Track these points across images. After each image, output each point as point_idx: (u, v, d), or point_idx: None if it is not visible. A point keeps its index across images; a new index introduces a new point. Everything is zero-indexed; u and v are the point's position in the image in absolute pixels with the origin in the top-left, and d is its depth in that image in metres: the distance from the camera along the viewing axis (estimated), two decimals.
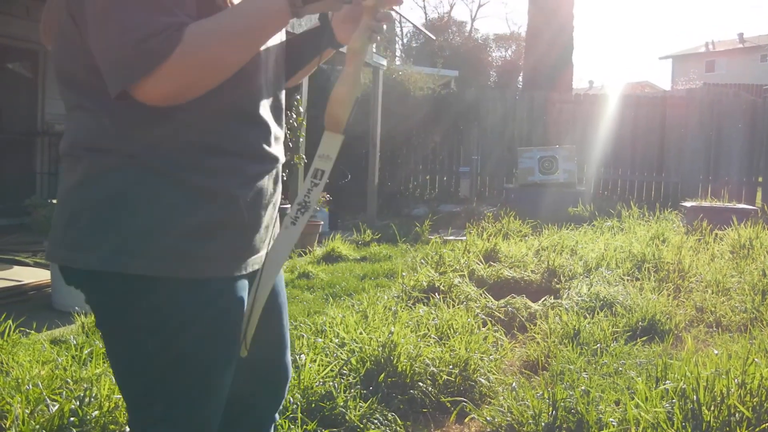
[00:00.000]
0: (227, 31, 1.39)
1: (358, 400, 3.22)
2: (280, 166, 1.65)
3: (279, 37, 1.66)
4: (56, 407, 2.88)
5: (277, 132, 1.62)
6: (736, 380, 3.00)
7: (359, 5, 1.57)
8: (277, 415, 1.85)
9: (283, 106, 1.69)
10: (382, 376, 3.44)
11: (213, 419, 1.57)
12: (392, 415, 3.23)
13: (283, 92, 1.70)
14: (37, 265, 6.26)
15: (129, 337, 1.48)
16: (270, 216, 1.62)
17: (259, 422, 1.81)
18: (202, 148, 1.45)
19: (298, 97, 8.12)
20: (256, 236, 1.57)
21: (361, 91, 1.61)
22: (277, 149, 1.61)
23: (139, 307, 1.44)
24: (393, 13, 1.62)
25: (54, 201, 4.90)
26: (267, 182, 1.58)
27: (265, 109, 1.57)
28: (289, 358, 1.83)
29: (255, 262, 1.58)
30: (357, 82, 1.58)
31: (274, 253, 1.59)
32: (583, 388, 3.28)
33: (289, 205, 8.10)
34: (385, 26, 1.61)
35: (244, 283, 1.55)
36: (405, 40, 41.24)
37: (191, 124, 1.44)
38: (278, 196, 1.67)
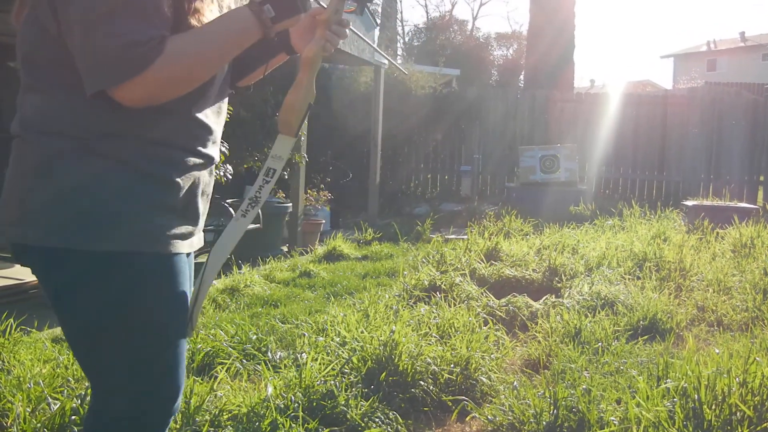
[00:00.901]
0: (203, 48, 1.55)
1: (359, 398, 3.22)
2: (213, 165, 1.78)
3: None
4: (57, 406, 2.88)
5: (216, 136, 1.76)
6: (737, 379, 3.00)
7: (315, 18, 1.74)
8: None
9: (225, 112, 1.82)
10: (384, 374, 3.44)
11: (172, 388, 1.68)
12: (393, 414, 3.23)
13: (226, 99, 1.81)
14: None
15: (87, 311, 1.57)
16: (205, 204, 1.76)
17: None
18: (149, 139, 1.56)
19: None
20: (192, 220, 1.70)
21: (313, 98, 1.74)
22: (213, 150, 1.75)
23: (95, 281, 1.54)
24: (347, 30, 1.77)
25: None
26: (204, 175, 1.72)
27: (207, 113, 1.70)
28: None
29: (193, 242, 1.72)
30: (309, 89, 1.72)
31: (222, 242, 1.74)
32: (584, 386, 3.27)
33: (290, 204, 8.11)
34: (338, 40, 1.75)
35: (184, 259, 1.68)
36: (406, 39, 41.26)
37: (140, 118, 1.54)
38: (211, 188, 1.81)
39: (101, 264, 1.53)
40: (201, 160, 1.69)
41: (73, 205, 1.51)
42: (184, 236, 1.66)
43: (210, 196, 1.80)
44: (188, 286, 1.69)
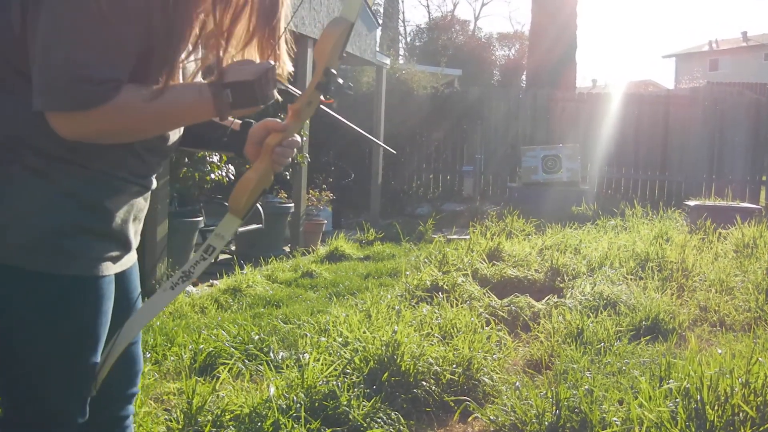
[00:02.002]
0: (153, 110, 1.48)
1: (361, 399, 3.22)
2: (149, 192, 1.75)
3: None
4: None
5: (158, 167, 1.75)
6: (740, 379, 2.99)
7: (268, 130, 1.70)
8: (131, 407, 1.90)
9: (170, 152, 1.77)
10: (386, 375, 3.44)
11: (76, 407, 1.64)
12: (396, 414, 3.23)
13: (174, 142, 1.76)
14: None
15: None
16: (136, 227, 1.72)
17: (112, 413, 1.85)
18: (86, 164, 1.52)
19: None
20: (122, 244, 1.66)
21: (269, 184, 1.72)
22: (150, 181, 1.72)
23: (11, 298, 1.50)
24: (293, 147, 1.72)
25: None
26: (138, 201, 1.69)
27: (152, 153, 1.67)
28: (139, 350, 1.90)
29: (123, 263, 1.68)
30: (267, 176, 1.69)
31: (142, 311, 1.72)
32: (586, 387, 3.28)
33: (292, 204, 8.11)
34: (289, 156, 1.72)
35: (106, 282, 1.61)
36: (408, 39, 41.28)
37: (81, 145, 1.49)
38: (144, 213, 1.76)
39: (18, 280, 1.48)
40: (136, 188, 1.66)
41: None
42: (112, 259, 1.61)
43: (142, 221, 1.76)
44: (109, 307, 1.64)
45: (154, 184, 1.76)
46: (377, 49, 12.30)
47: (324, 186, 9.99)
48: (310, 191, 9.32)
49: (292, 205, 8.38)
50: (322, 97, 1.67)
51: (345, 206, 11.66)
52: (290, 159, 1.74)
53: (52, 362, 1.57)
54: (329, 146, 12.01)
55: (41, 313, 1.52)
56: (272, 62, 1.61)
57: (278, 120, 1.72)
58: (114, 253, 1.62)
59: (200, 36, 1.56)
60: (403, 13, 43.07)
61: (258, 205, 1.79)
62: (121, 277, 1.72)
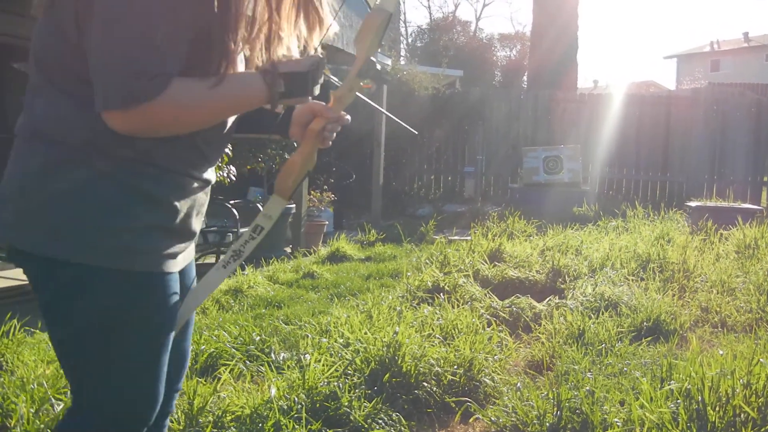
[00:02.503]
0: (207, 99, 1.53)
1: (362, 400, 3.22)
2: (209, 186, 1.80)
3: None
4: (61, 406, 2.89)
5: (216, 161, 1.79)
6: (741, 380, 2.99)
7: (314, 112, 1.77)
8: (174, 404, 1.96)
9: (227, 141, 1.83)
10: (387, 376, 3.44)
11: (146, 405, 1.67)
12: (397, 415, 3.23)
13: (230, 129, 1.81)
14: None
15: (72, 322, 1.57)
16: (198, 222, 1.77)
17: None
18: (147, 158, 1.55)
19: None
20: (187, 238, 1.72)
21: (313, 166, 1.81)
22: (210, 174, 1.76)
23: (84, 294, 1.53)
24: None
25: None
26: (200, 196, 1.74)
27: (211, 146, 1.70)
28: (189, 346, 1.96)
29: (186, 257, 1.76)
30: (310, 159, 1.78)
31: (198, 289, 1.81)
32: (587, 388, 3.27)
33: (293, 205, 8.11)
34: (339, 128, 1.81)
35: (173, 279, 1.66)
36: (410, 40, 41.28)
37: (150, 143, 1.54)
38: (206, 207, 1.81)
39: (93, 278, 1.52)
40: (198, 184, 1.70)
41: (70, 216, 1.50)
42: (176, 255, 1.66)
43: (203, 214, 1.81)
44: (177, 303, 1.69)
45: (214, 178, 1.80)
46: (378, 50, 12.30)
47: (325, 187, 9.99)
48: (312, 192, 9.33)
49: (294, 206, 8.38)
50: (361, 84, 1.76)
51: (346, 207, 11.66)
52: (335, 135, 1.82)
53: (128, 357, 1.61)
54: (330, 147, 11.92)
55: (118, 309, 1.57)
56: (321, 56, 1.70)
57: (322, 103, 1.78)
58: (179, 249, 1.68)
59: (254, 14, 1.61)
60: (405, 13, 43.07)
61: (259, 205, 1.84)
62: (182, 273, 1.78)
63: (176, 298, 1.67)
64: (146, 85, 1.39)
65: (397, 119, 2.35)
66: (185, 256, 1.75)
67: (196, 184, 1.69)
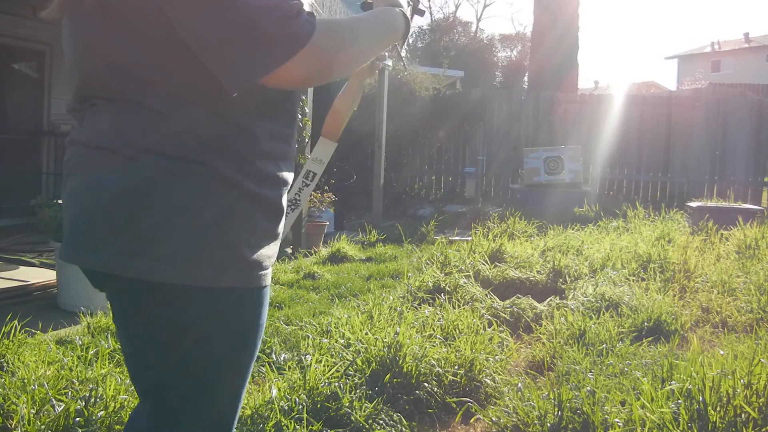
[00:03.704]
0: (363, 28, 1.44)
1: (363, 400, 3.22)
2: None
3: None
4: (62, 407, 2.89)
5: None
6: (742, 381, 2.99)
7: None
8: None
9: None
10: (388, 376, 3.44)
11: (234, 419, 1.56)
12: (398, 416, 3.23)
13: None
14: (43, 265, 6.28)
15: (176, 346, 1.42)
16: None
17: None
18: (259, 153, 1.41)
19: (304, 97, 8.12)
20: (278, 243, 1.55)
21: (357, 105, 1.76)
22: (295, 146, 1.62)
23: (189, 318, 1.39)
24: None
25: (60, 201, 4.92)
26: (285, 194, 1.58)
27: (297, 110, 1.59)
28: None
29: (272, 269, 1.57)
30: (357, 97, 1.72)
31: None
32: (588, 388, 3.27)
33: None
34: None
35: (267, 291, 1.51)
36: (411, 41, 41.23)
37: (250, 129, 1.40)
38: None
39: (204, 299, 1.37)
40: (292, 174, 1.57)
41: (191, 236, 1.34)
42: (273, 262, 1.51)
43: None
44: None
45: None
46: None
47: (326, 187, 9.99)
48: (312, 193, 9.32)
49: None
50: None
51: (347, 208, 11.66)
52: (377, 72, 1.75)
53: (242, 376, 1.52)
54: None
55: (226, 331, 1.44)
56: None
57: None
58: (275, 255, 1.52)
59: None
60: None
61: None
62: None
63: (266, 310, 1.53)
64: (300, 25, 1.25)
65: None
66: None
67: (291, 177, 1.55)
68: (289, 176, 1.52)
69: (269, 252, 1.47)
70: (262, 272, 1.44)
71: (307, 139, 8.34)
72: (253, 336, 1.49)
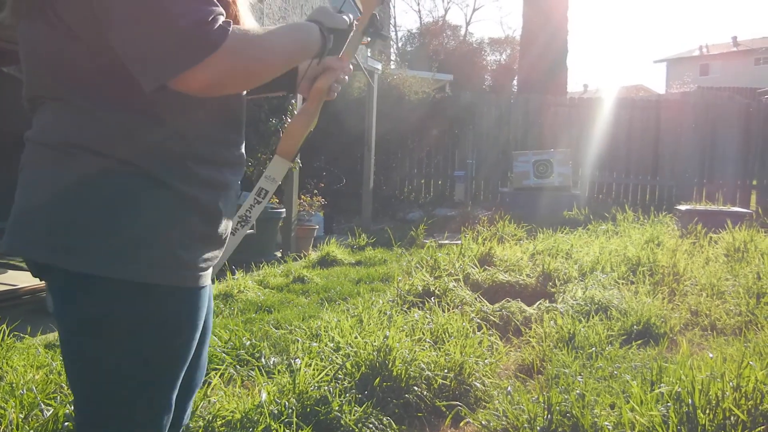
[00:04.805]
0: (276, 42, 1.47)
1: (353, 404, 3.22)
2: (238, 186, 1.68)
3: None
4: (50, 412, 2.87)
5: (243, 138, 1.69)
6: (731, 383, 3.00)
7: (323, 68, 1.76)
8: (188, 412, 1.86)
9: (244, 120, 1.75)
10: (377, 380, 3.44)
11: (156, 426, 1.57)
12: (387, 420, 3.22)
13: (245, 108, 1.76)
14: None
15: (105, 340, 1.46)
16: (228, 228, 1.65)
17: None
18: (193, 156, 1.47)
19: (294, 101, 8.11)
20: (221, 245, 1.61)
21: (314, 126, 1.78)
22: (243, 152, 1.66)
23: (119, 312, 1.44)
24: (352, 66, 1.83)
25: None
26: (231, 195, 1.62)
27: (241, 111, 1.64)
28: (204, 359, 1.85)
29: (214, 267, 1.62)
30: (313, 118, 1.75)
31: None
32: (578, 391, 3.28)
33: (284, 209, 8.08)
34: (346, 78, 1.81)
35: (205, 293, 1.56)
36: (400, 44, 41.31)
37: (183, 131, 1.46)
38: (235, 210, 1.72)
39: (133, 295, 1.42)
40: (237, 173, 1.61)
41: (117, 231, 1.40)
42: (211, 265, 1.56)
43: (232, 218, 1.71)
44: (204, 320, 1.59)
45: (244, 167, 1.70)
46: (369, 54, 12.31)
47: (315, 191, 9.98)
48: (302, 196, 9.32)
49: (284, 210, 8.37)
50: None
51: (336, 211, 11.66)
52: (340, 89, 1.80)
53: (153, 378, 1.52)
54: (321, 151, 12.01)
55: (155, 327, 1.47)
56: (351, 18, 1.72)
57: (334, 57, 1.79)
58: (215, 258, 1.57)
59: None
60: (395, 18, 43.10)
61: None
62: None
63: (204, 312, 1.57)
64: (209, 32, 1.30)
65: None
66: (215, 265, 1.62)
67: (233, 177, 1.58)
68: (232, 180, 1.58)
69: (206, 254, 1.53)
70: (197, 273, 1.50)
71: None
72: (185, 335, 1.53)
